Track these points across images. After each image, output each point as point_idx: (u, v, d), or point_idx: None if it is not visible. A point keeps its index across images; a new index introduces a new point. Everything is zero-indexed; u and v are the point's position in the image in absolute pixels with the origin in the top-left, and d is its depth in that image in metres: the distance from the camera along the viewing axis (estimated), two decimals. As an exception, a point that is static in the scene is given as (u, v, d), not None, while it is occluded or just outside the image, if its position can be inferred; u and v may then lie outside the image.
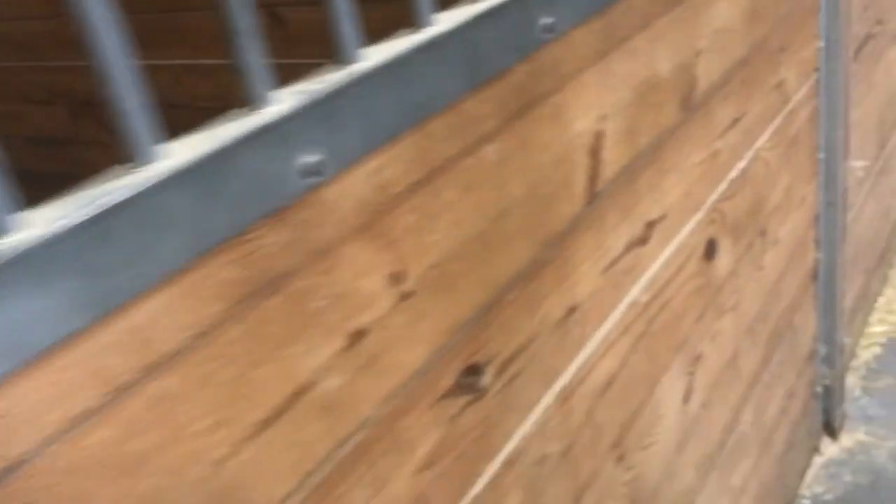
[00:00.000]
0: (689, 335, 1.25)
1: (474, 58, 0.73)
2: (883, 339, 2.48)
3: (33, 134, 2.42)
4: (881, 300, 2.64)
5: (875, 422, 2.18)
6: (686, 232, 1.21)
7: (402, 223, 0.68)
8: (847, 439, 2.13)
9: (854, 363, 2.39)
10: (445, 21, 0.71)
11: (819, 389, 2.03)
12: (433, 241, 0.72)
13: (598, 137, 0.96)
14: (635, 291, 1.09)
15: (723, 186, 1.31)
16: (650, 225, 1.11)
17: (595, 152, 0.95)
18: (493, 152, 0.78)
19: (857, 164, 2.14)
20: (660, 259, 1.14)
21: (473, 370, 0.80)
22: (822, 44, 1.73)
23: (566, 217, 0.92)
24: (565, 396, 0.95)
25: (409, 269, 0.69)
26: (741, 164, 1.38)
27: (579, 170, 0.93)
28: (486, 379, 0.82)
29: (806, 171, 1.73)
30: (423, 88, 0.68)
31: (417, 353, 0.72)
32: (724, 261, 1.34)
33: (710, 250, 1.29)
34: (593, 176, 0.96)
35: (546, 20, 0.83)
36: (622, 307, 1.06)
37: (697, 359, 1.30)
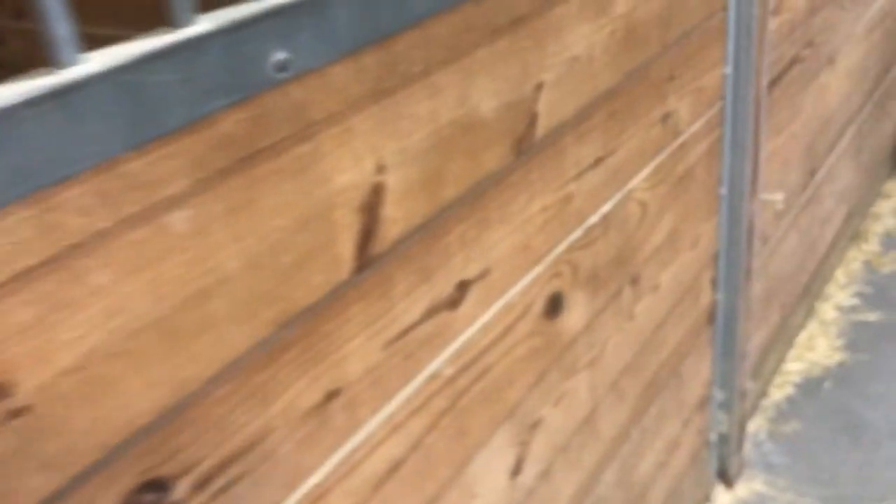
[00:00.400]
0: (520, 402, 1.11)
1: (141, 107, 0.58)
2: (798, 379, 2.36)
3: None
4: (803, 335, 2.51)
5: (776, 470, 2.06)
6: (518, 289, 1.06)
7: (9, 322, 0.53)
8: (743, 489, 2.01)
9: (764, 402, 2.27)
10: (96, 61, 0.56)
11: (714, 437, 1.91)
12: (69, 340, 0.56)
13: (376, 192, 0.80)
14: (438, 363, 0.94)
15: (576, 235, 1.16)
16: (463, 285, 0.96)
17: (370, 209, 0.80)
18: (182, 221, 0.62)
19: (776, 198, 2.00)
20: (477, 323, 0.99)
21: (154, 486, 0.65)
22: (728, 70, 1.59)
23: (322, 288, 0.77)
24: (318, 496, 0.80)
25: (21, 379, 0.54)
26: (604, 209, 1.23)
27: (343, 232, 0.78)
28: (178, 494, 0.66)
29: (701, 209, 1.59)
30: (42, 149, 0.53)
31: (42, 480, 0.57)
32: (574, 316, 1.20)
33: (554, 306, 1.14)
34: (367, 237, 0.81)
35: (279, 56, 0.67)
36: (417, 383, 0.91)
37: (534, 426, 1.16)
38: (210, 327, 0.66)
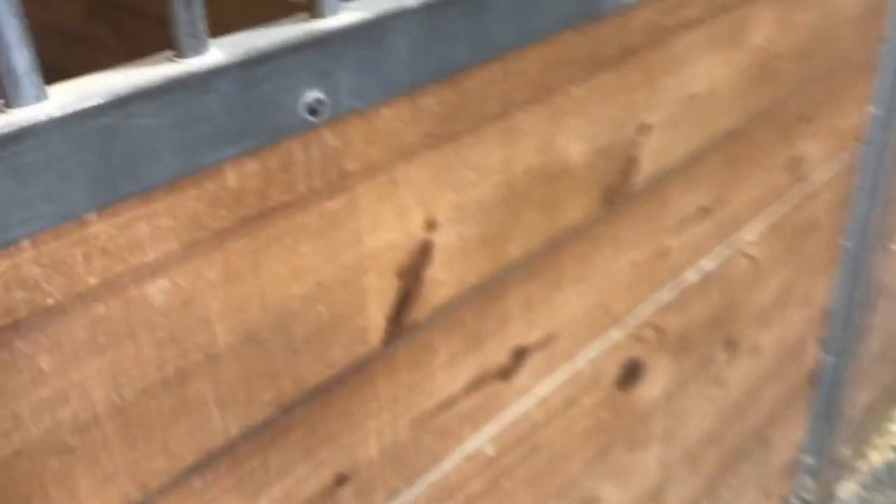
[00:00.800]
0: (577, 479, 0.98)
1: (115, 157, 0.46)
2: (902, 443, 2.13)
3: (53, 24, 2.24)
4: (916, 393, 2.27)
5: (862, 545, 1.86)
6: (589, 356, 0.92)
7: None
8: (822, 562, 1.82)
9: (860, 465, 2.06)
10: (56, 101, 0.44)
11: (796, 502, 1.73)
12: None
13: (422, 252, 0.68)
14: (478, 441, 0.81)
15: (667, 294, 1.01)
16: (520, 353, 0.83)
17: (412, 272, 0.67)
18: (161, 292, 0.51)
19: (908, 248, 1.78)
20: (533, 394, 0.86)
21: (101, 591, 0.54)
22: (875, 109, 1.39)
23: (340, 362, 0.65)
24: (311, 592, 0.69)
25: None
26: (706, 264, 1.07)
27: (374, 298, 0.65)
28: None
29: (819, 262, 1.40)
30: (-26, 211, 0.42)
31: None
32: (653, 386, 1.05)
33: (630, 375, 1.00)
34: (405, 302, 0.68)
35: (312, 96, 0.55)
36: (450, 463, 0.79)
37: (588, 503, 1.02)
38: (187, 413, 0.55)
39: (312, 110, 0.55)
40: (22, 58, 0.43)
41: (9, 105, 0.43)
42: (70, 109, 0.44)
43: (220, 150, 0.51)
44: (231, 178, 0.52)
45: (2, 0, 0.41)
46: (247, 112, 0.52)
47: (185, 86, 0.48)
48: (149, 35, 1.94)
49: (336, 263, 0.61)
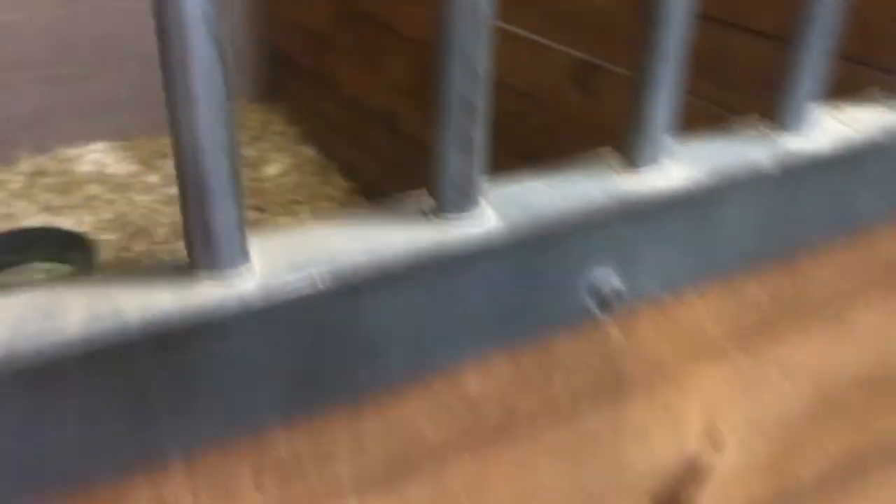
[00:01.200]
0: None
1: (350, 354, 0.32)
2: None
3: (304, 23, 2.27)
4: None
5: None
6: None
7: None
8: None
9: None
10: (265, 262, 0.31)
11: None
12: None
13: (693, 474, 0.50)
14: None
15: (970, 525, 0.78)
16: (777, 588, 0.63)
17: (673, 498, 0.50)
18: (347, 525, 0.37)
19: None
20: None
21: None
22: None
23: None
24: None
25: None
26: None
27: (618, 527, 0.49)
28: None
29: None
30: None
31: None
32: None
33: None
34: (654, 533, 0.51)
35: (604, 279, 0.39)
36: None
37: None
38: None
39: (601, 300, 0.39)
40: (226, 213, 0.30)
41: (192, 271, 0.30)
42: (275, 290, 0.30)
43: (465, 348, 0.36)
44: (471, 382, 0.37)
45: (213, 134, 0.28)
46: (512, 298, 0.36)
47: (441, 265, 0.33)
48: (387, 47, 1.86)
49: (578, 488, 0.45)
